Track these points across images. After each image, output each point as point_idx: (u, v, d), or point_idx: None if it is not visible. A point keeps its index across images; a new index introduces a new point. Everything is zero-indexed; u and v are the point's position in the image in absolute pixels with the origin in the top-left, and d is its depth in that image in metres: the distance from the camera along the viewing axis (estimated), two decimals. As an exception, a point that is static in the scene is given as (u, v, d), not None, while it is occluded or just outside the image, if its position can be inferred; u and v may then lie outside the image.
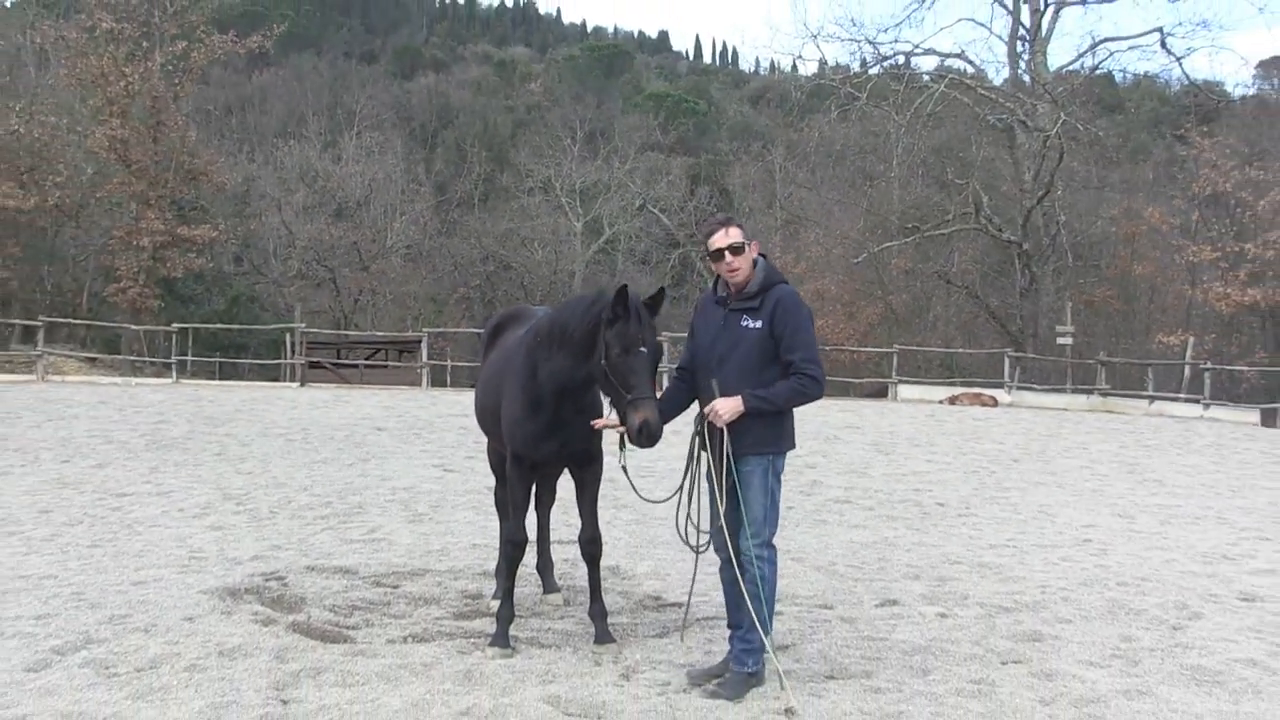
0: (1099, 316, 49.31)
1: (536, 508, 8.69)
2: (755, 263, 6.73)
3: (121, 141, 47.11)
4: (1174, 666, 7.21)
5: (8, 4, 54.68)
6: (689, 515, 6.80)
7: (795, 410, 6.70)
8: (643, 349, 6.59)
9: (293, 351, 38.28)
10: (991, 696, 6.54)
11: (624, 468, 7.01)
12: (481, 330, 10.36)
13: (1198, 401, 32.10)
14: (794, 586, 9.20)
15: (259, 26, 57.78)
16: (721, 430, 6.50)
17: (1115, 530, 12.61)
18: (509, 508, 7.75)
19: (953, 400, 33.56)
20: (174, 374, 35.45)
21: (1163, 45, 46.69)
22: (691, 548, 6.87)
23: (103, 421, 20.89)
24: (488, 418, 8.16)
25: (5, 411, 21.92)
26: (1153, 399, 33.39)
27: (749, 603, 6.54)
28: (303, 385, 34.00)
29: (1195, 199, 47.02)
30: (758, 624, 6.53)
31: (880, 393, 37.42)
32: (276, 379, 39.35)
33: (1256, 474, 18.41)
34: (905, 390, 36.01)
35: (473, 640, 7.45)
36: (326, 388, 33.83)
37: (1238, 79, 73.00)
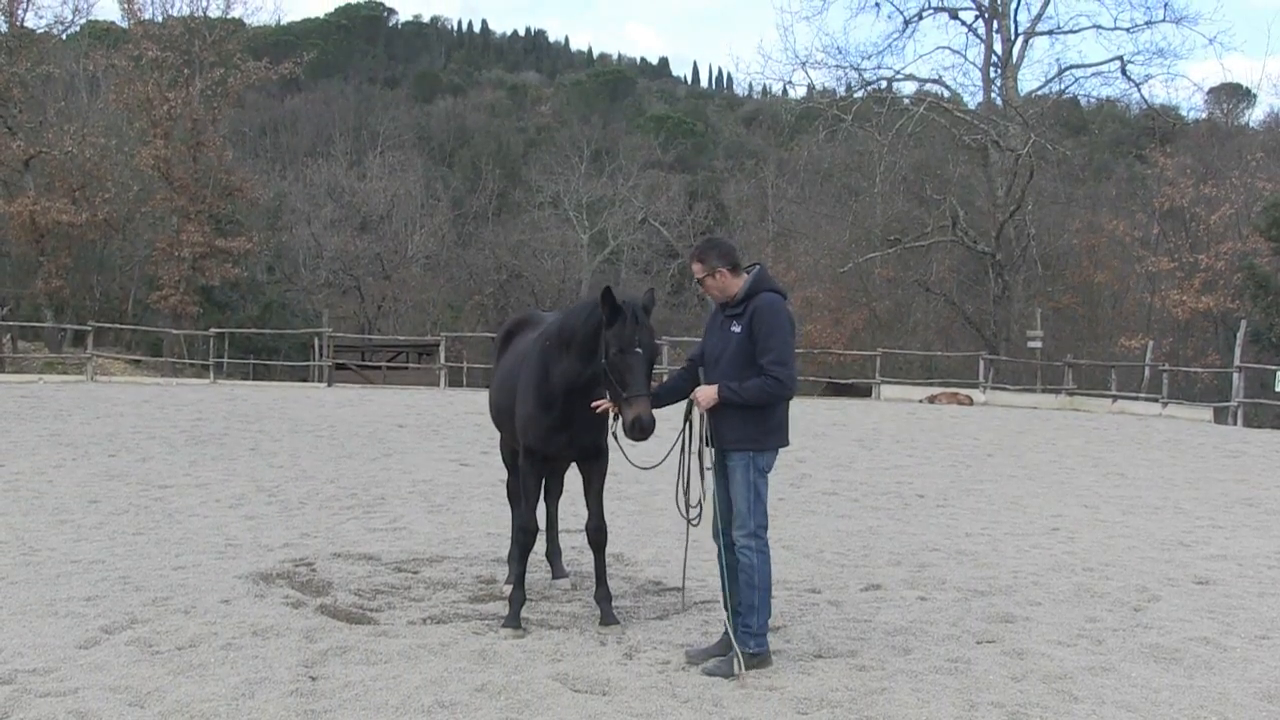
0: (1066, 322, 49.25)
1: (546, 499, 8.68)
2: (752, 270, 6.82)
3: (164, 160, 47.22)
4: (1135, 645, 7.20)
5: (64, 36, 54.71)
6: (680, 489, 6.94)
7: (788, 410, 6.75)
8: (638, 349, 6.67)
9: (321, 354, 38.27)
10: (967, 673, 6.54)
11: (614, 435, 7.07)
12: (495, 334, 10.37)
13: (1156, 400, 32.06)
14: (784, 572, 9.18)
15: (290, 54, 57.75)
16: (703, 415, 6.65)
17: (1081, 519, 12.59)
18: (520, 498, 7.77)
19: (931, 399, 33.52)
20: (211, 375, 35.46)
21: (1123, 72, 46.72)
22: (683, 515, 6.98)
23: (146, 419, 20.89)
24: (502, 415, 8.17)
25: (58, 409, 21.94)
26: (1115, 398, 33.36)
27: (742, 590, 6.60)
28: (330, 385, 34.01)
29: (1155, 213, 47.04)
30: (756, 610, 6.56)
31: (865, 392, 37.40)
32: (306, 380, 39.33)
33: (1210, 467, 18.38)
34: (887, 390, 35.96)
35: (487, 622, 7.45)
36: (352, 388, 33.84)
37: (1191, 104, 73.00)
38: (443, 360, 36.80)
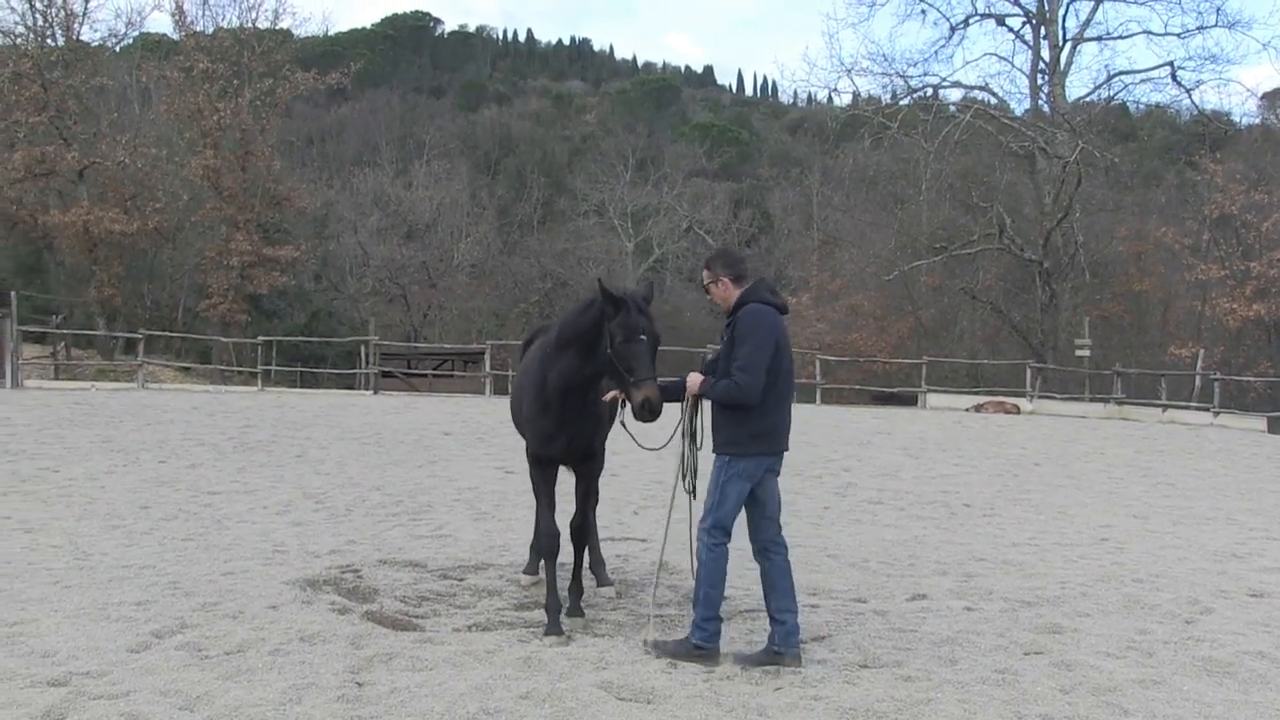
0: (1114, 330, 48.78)
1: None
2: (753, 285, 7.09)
3: (214, 170, 47.82)
4: (1187, 658, 7.11)
5: (117, 49, 55.52)
6: (680, 470, 7.14)
7: (778, 418, 6.90)
8: (643, 336, 6.89)
9: (367, 362, 38.53)
10: (1015, 685, 6.48)
11: (623, 423, 7.34)
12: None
13: (1208, 410, 31.66)
14: (830, 581, 9.15)
15: (337, 65, 58.45)
16: (698, 400, 7.01)
17: (1131, 530, 12.45)
18: (538, 503, 7.99)
19: (978, 408, 33.29)
20: (259, 382, 35.78)
21: (1174, 78, 46.22)
22: (686, 490, 7.19)
23: (195, 426, 21.11)
24: (518, 418, 8.45)
25: (110, 416, 22.20)
26: (1165, 407, 32.97)
27: (694, 578, 6.95)
28: (376, 393, 34.22)
29: (1205, 220, 46.48)
30: (698, 602, 6.84)
31: (910, 401, 37.20)
32: (352, 387, 39.61)
33: (1263, 478, 18.13)
34: (933, 399, 35.76)
35: (532, 630, 7.46)
36: (398, 395, 34.04)
37: (1244, 110, 71.85)
38: (488, 368, 36.93)
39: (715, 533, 6.85)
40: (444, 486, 14.52)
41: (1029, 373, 37.30)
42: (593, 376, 7.26)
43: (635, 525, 11.41)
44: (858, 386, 41.16)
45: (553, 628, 7.39)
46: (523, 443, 8.16)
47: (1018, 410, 32.86)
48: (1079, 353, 39.04)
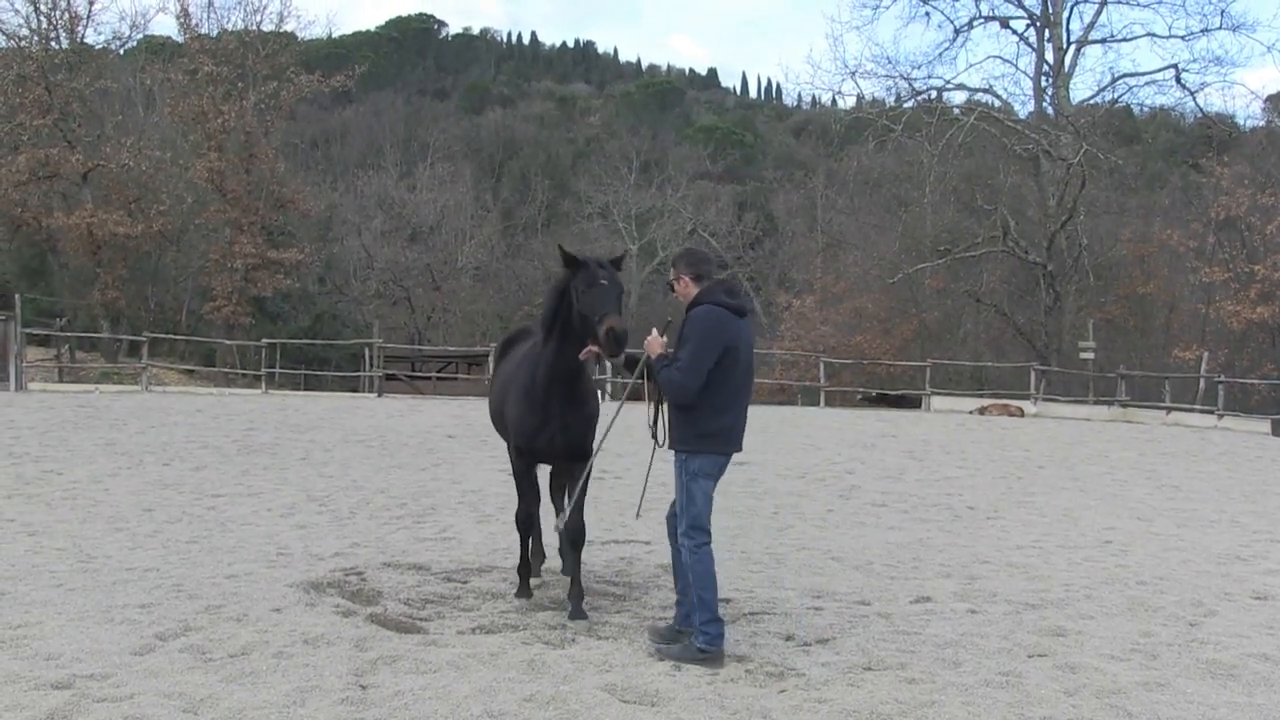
0: (1118, 333, 48.78)
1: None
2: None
3: (218, 173, 47.92)
4: (1191, 660, 7.10)
5: (121, 52, 55.65)
6: (649, 420, 7.26)
7: (731, 419, 6.91)
8: (603, 281, 7.11)
9: (371, 365, 38.55)
10: (1019, 687, 6.47)
11: (606, 386, 7.55)
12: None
13: (1212, 412, 31.64)
14: (834, 584, 9.15)
15: (342, 67, 58.53)
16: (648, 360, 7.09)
17: (1135, 532, 12.44)
18: (519, 493, 8.28)
19: (982, 411, 33.25)
20: (263, 385, 35.79)
21: (1178, 81, 46.22)
22: (654, 440, 7.29)
23: (199, 428, 21.11)
24: (498, 420, 8.63)
25: (114, 419, 22.21)
26: (1169, 410, 32.95)
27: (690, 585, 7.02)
28: (380, 396, 34.23)
29: (1210, 223, 46.46)
30: (695, 607, 6.88)
31: (914, 404, 37.18)
32: (356, 390, 39.65)
33: (1267, 480, 18.10)
34: (937, 401, 35.73)
35: (536, 632, 7.46)
36: (402, 398, 34.03)
37: (1248, 112, 71.70)
38: (492, 371, 36.91)
39: (694, 534, 6.88)
40: (448, 489, 14.53)
41: (1033, 375, 37.27)
42: (579, 369, 7.49)
43: (638, 528, 11.43)
44: (861, 389, 41.15)
45: (523, 591, 8.05)
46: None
47: (1022, 413, 32.82)
48: (1083, 355, 39.03)
